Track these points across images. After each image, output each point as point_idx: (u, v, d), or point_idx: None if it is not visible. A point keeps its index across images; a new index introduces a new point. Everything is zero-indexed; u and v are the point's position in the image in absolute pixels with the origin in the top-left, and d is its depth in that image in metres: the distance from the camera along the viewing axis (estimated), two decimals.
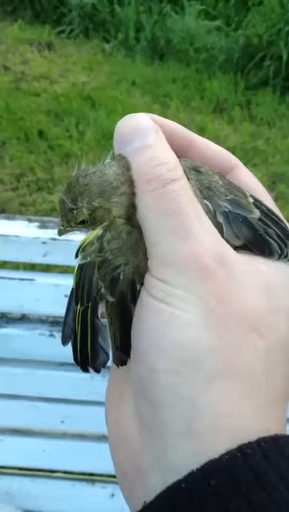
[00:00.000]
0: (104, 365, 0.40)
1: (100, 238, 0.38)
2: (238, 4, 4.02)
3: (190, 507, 0.32)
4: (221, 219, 0.38)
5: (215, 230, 0.37)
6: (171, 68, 3.68)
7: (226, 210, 0.39)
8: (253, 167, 2.90)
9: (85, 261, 0.38)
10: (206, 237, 0.35)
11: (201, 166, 0.40)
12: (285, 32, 3.57)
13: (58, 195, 0.39)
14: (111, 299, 0.38)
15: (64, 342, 0.41)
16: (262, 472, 0.32)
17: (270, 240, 0.39)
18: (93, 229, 0.39)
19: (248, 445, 0.33)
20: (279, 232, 0.39)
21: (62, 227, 0.40)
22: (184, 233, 0.35)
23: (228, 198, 0.39)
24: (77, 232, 0.41)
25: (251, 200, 0.40)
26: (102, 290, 0.38)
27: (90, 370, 0.40)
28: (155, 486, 0.34)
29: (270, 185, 2.84)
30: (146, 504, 0.33)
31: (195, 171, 0.39)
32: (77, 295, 0.39)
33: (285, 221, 0.41)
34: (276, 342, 0.36)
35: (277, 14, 3.70)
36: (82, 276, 0.38)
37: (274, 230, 0.39)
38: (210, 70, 3.64)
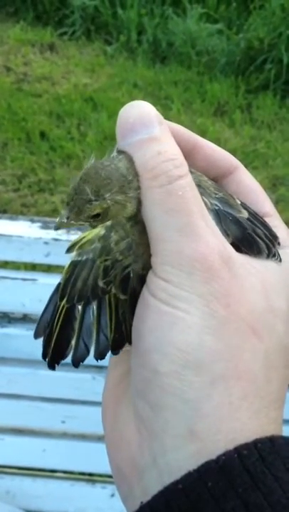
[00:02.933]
0: (83, 360, 0.39)
1: (102, 239, 0.37)
2: (239, 7, 4.03)
3: (186, 508, 0.32)
4: (211, 216, 0.38)
5: (217, 229, 0.37)
6: (172, 71, 3.69)
7: (216, 207, 0.38)
8: (254, 170, 2.90)
9: (80, 258, 0.37)
10: (211, 237, 0.35)
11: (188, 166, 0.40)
12: (286, 35, 3.58)
13: (73, 184, 0.36)
14: (123, 297, 0.37)
15: (36, 336, 0.40)
16: (258, 473, 0.32)
17: (259, 239, 0.39)
18: (93, 227, 0.38)
19: (245, 446, 0.33)
20: (267, 233, 0.40)
21: (65, 220, 0.37)
22: (190, 232, 0.35)
23: (217, 196, 0.39)
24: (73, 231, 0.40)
25: (238, 201, 0.40)
26: (112, 289, 0.37)
27: (56, 367, 0.40)
28: (152, 486, 0.34)
29: (271, 188, 2.85)
30: (143, 504, 0.33)
31: None
32: (64, 291, 0.38)
33: (269, 224, 0.41)
34: (274, 343, 0.36)
35: (278, 18, 3.71)
36: (75, 273, 0.37)
37: (262, 230, 0.40)
38: (211, 73, 3.65)
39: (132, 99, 0.38)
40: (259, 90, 3.54)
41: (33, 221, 1.09)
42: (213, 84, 3.55)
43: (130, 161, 0.36)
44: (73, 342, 0.39)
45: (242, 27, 3.85)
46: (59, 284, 0.38)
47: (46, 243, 1.05)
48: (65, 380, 1.16)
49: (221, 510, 0.31)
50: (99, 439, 1.25)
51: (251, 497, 0.31)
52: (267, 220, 0.42)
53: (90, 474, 1.35)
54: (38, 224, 1.08)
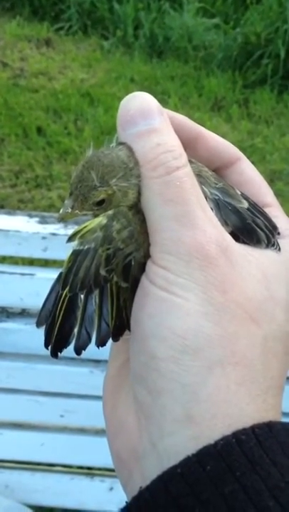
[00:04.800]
0: (85, 348, 0.40)
1: (104, 228, 0.37)
2: (236, 2, 4.02)
3: (185, 492, 0.32)
4: (211, 205, 0.38)
5: (216, 219, 0.37)
6: (169, 65, 3.69)
7: (216, 197, 0.39)
8: None
9: (82, 247, 0.38)
10: (208, 226, 0.36)
11: (189, 156, 0.40)
12: (283, 30, 3.58)
13: (76, 173, 0.37)
14: (124, 285, 0.38)
15: (38, 325, 0.40)
16: (256, 457, 0.32)
17: (258, 229, 0.39)
18: (96, 216, 0.38)
19: (243, 431, 0.33)
20: (266, 223, 0.40)
21: (69, 210, 0.37)
22: (188, 221, 0.35)
23: (218, 186, 0.39)
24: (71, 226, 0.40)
25: (239, 192, 0.41)
26: (114, 278, 0.38)
27: (59, 355, 0.40)
28: (151, 471, 0.34)
29: (268, 183, 2.84)
30: (142, 489, 0.34)
31: None
32: (66, 280, 0.38)
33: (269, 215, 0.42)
34: (273, 331, 0.37)
35: (275, 12, 3.70)
36: (77, 262, 0.38)
37: (262, 221, 0.40)
38: (208, 68, 3.65)
39: (129, 94, 0.39)
40: (256, 85, 3.54)
41: (30, 216, 1.09)
42: (210, 79, 3.55)
43: (130, 150, 0.37)
44: (76, 330, 0.39)
45: (239, 22, 3.85)
46: (61, 273, 0.39)
47: (44, 238, 1.06)
48: (63, 374, 1.17)
49: (220, 494, 0.31)
50: (97, 432, 1.25)
51: (249, 481, 0.32)
52: (268, 210, 0.42)
53: (89, 468, 1.36)
54: (36, 219, 1.08)
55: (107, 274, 0.38)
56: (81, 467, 1.37)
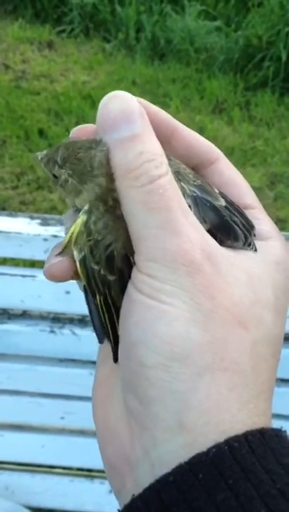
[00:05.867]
0: None
1: (86, 224, 0.38)
2: (238, 5, 4.03)
3: (178, 499, 0.32)
4: (189, 202, 0.38)
5: (199, 224, 0.37)
6: (171, 68, 3.69)
7: (194, 194, 0.39)
8: (252, 167, 2.90)
9: (83, 253, 0.38)
10: (192, 232, 0.35)
11: (168, 153, 0.39)
12: (285, 33, 3.58)
13: (65, 141, 0.40)
14: (111, 278, 0.38)
15: (101, 341, 0.41)
16: (248, 465, 0.32)
17: (236, 226, 0.39)
18: (54, 184, 0.40)
19: (235, 438, 0.33)
20: (243, 222, 0.40)
21: (39, 159, 0.41)
22: (171, 228, 0.35)
23: (196, 183, 0.39)
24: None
25: (216, 190, 0.40)
26: (102, 271, 0.38)
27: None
28: (144, 479, 0.34)
29: (269, 186, 2.85)
30: (135, 497, 0.33)
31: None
32: (91, 288, 0.38)
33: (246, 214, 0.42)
34: (262, 335, 0.36)
35: (276, 15, 3.71)
36: (88, 268, 0.38)
37: (239, 219, 0.40)
38: (210, 70, 3.65)
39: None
40: (257, 88, 3.55)
41: (32, 218, 1.09)
42: (211, 82, 3.55)
43: (108, 158, 0.37)
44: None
45: (240, 24, 3.85)
46: (84, 286, 0.39)
47: (45, 240, 1.06)
48: (64, 376, 1.17)
49: (212, 502, 0.31)
50: None
51: (242, 488, 0.31)
52: (251, 212, 0.42)
53: (89, 470, 1.36)
54: (38, 221, 1.08)
55: (97, 268, 0.38)
56: (81, 469, 1.36)
